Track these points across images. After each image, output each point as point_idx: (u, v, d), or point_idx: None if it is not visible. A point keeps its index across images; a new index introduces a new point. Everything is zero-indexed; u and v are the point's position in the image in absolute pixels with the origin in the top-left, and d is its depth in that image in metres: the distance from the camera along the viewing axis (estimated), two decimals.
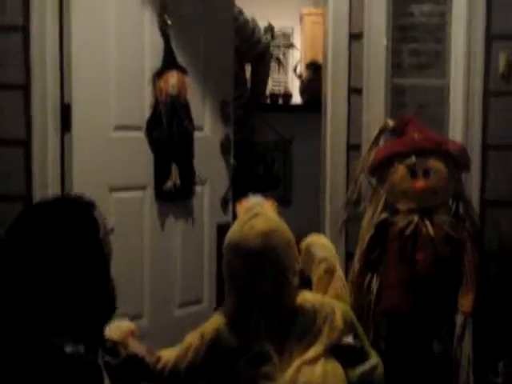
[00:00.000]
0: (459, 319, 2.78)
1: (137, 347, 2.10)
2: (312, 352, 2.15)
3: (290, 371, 2.10)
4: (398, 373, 2.84)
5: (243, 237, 2.15)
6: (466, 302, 2.77)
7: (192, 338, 2.23)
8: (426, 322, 2.83)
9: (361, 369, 2.27)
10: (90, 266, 1.72)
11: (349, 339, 2.25)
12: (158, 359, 2.19)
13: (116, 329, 2.12)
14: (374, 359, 2.33)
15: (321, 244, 2.47)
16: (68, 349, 1.56)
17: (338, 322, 2.24)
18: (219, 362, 2.16)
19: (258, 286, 2.14)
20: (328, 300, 2.30)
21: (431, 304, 2.79)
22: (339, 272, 2.43)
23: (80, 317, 1.66)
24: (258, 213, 2.18)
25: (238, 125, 3.95)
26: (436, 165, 2.81)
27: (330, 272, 2.39)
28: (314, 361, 2.14)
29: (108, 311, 1.78)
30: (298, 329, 2.17)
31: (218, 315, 2.24)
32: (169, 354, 2.22)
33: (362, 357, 2.30)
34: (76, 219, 1.73)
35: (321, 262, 2.39)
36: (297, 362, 2.12)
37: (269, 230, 2.15)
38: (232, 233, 2.21)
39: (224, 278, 2.23)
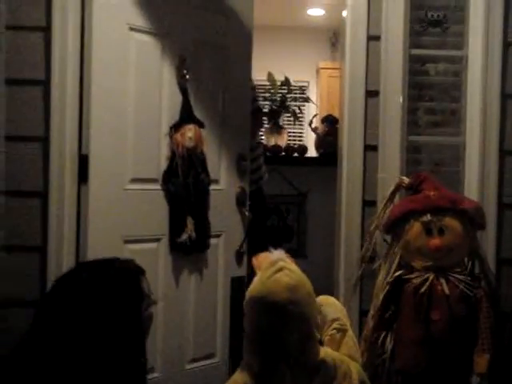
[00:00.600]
0: (474, 380, 2.75)
1: None
2: None
3: None
4: None
5: (269, 291, 2.11)
6: (481, 362, 2.73)
7: None
8: (440, 382, 2.79)
9: None
10: (126, 336, 1.68)
11: None
12: None
13: None
14: None
15: (331, 304, 2.46)
16: None
17: (355, 380, 2.24)
18: None
19: (284, 341, 2.11)
20: (345, 357, 2.29)
21: (446, 364, 2.76)
22: (350, 332, 2.42)
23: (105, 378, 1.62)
24: (282, 267, 2.16)
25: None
26: (451, 223, 2.80)
27: (342, 331, 2.38)
28: None
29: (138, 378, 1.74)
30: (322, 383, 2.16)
31: (241, 373, 2.19)
32: None
33: None
34: (121, 286, 1.71)
35: (333, 322, 2.38)
36: None
37: (294, 283, 2.13)
38: (255, 287, 2.17)
39: (246, 334, 2.19)
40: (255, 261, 2.36)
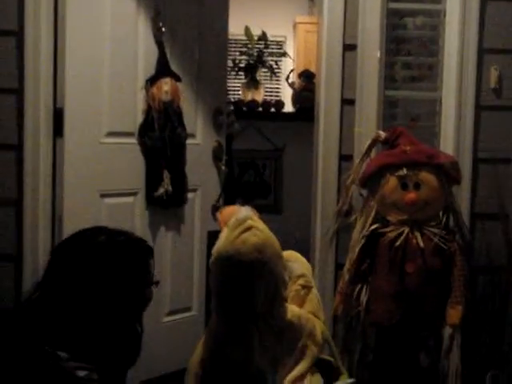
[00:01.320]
0: (447, 332, 2.79)
1: None
2: (300, 368, 2.15)
3: None
4: None
5: (237, 251, 2.08)
6: (454, 314, 2.77)
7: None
8: (413, 335, 2.83)
9: None
10: (128, 303, 1.72)
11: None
12: None
13: None
14: (347, 378, 2.39)
15: (297, 259, 2.44)
16: (81, 373, 1.55)
17: (319, 337, 2.25)
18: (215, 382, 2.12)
19: (251, 302, 2.09)
20: (310, 316, 2.29)
21: (420, 315, 2.79)
22: (315, 289, 2.41)
23: (102, 349, 1.65)
24: (250, 226, 2.13)
25: None
26: (427, 177, 2.82)
27: (307, 288, 2.36)
28: (301, 377, 2.13)
29: (131, 354, 1.76)
30: (288, 344, 2.16)
31: (208, 335, 2.17)
32: None
33: (337, 374, 2.33)
34: (130, 256, 1.75)
35: (298, 278, 2.36)
36: (288, 379, 2.10)
37: (262, 243, 2.11)
38: (222, 246, 2.13)
39: (212, 293, 2.16)
40: (219, 215, 2.32)
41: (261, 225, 2.18)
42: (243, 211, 2.20)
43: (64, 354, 1.56)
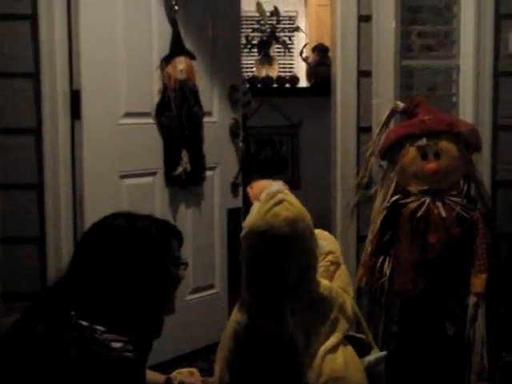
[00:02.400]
0: (471, 300, 2.78)
1: None
2: (332, 340, 2.14)
3: (317, 360, 2.09)
4: (411, 355, 2.86)
5: (269, 225, 2.05)
6: (478, 282, 2.77)
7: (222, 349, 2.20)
8: (438, 304, 2.83)
9: (367, 360, 2.29)
10: (152, 281, 1.76)
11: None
12: None
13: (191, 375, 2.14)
14: (378, 352, 2.38)
15: (326, 237, 2.43)
16: (117, 345, 1.58)
17: (349, 311, 2.26)
18: (248, 354, 2.12)
19: (283, 275, 2.08)
20: (340, 290, 2.29)
21: (443, 285, 2.79)
22: (344, 266, 2.41)
23: (130, 324, 1.70)
24: (282, 199, 2.10)
25: None
26: (447, 146, 2.80)
27: (336, 264, 2.36)
28: (334, 349, 2.13)
29: (154, 331, 1.81)
30: (320, 316, 2.16)
31: (239, 311, 2.16)
32: None
33: (368, 349, 2.34)
34: (151, 237, 1.78)
35: (327, 254, 2.34)
36: (321, 351, 2.11)
37: (294, 217, 2.08)
38: (254, 221, 2.10)
39: (243, 268, 2.14)
40: (250, 190, 2.32)
41: (293, 199, 2.15)
42: (274, 185, 2.18)
43: (100, 327, 1.60)
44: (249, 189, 2.34)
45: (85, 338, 1.57)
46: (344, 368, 2.12)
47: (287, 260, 2.08)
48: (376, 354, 2.37)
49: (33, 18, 2.99)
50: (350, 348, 2.20)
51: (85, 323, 1.60)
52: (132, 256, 1.73)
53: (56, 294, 1.70)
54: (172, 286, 1.85)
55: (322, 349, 2.11)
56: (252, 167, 4.67)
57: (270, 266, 2.08)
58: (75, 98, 3.04)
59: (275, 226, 2.05)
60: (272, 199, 2.10)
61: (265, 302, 2.10)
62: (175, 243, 1.85)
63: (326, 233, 2.50)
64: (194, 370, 2.23)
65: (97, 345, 1.56)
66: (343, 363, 2.13)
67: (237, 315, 2.16)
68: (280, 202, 2.09)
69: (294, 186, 5.35)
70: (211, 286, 3.65)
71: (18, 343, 1.60)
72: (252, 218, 2.12)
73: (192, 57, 3.41)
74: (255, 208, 2.14)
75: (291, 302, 2.10)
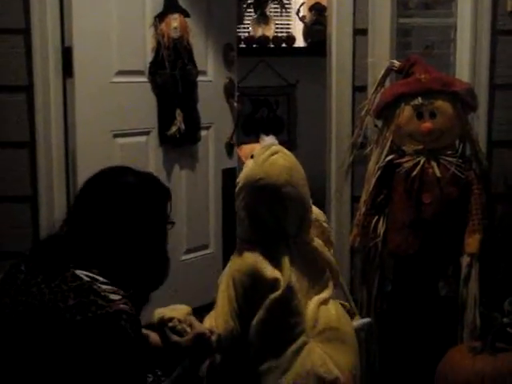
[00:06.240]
0: (465, 260, 2.78)
1: (201, 326, 2.10)
2: (326, 292, 2.17)
3: (312, 308, 2.11)
4: (404, 314, 2.87)
5: (267, 173, 2.09)
6: (472, 242, 2.77)
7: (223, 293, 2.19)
8: (432, 264, 2.83)
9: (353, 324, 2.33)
10: (153, 236, 1.80)
11: None
12: (219, 336, 2.12)
13: (174, 310, 2.11)
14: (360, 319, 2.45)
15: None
16: (115, 297, 1.59)
17: (336, 270, 2.29)
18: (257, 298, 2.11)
19: (282, 223, 2.11)
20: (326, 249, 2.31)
21: (437, 245, 2.79)
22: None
23: (134, 270, 1.73)
24: (277, 150, 2.14)
25: None
26: (443, 105, 2.78)
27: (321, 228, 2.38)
28: (326, 302, 2.16)
29: (160, 274, 1.85)
30: (314, 268, 2.18)
31: (238, 258, 2.18)
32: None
33: (351, 316, 2.38)
34: (152, 195, 1.80)
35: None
36: (315, 300, 2.13)
37: (290, 166, 2.13)
38: (251, 171, 2.13)
39: (241, 219, 2.16)
40: (240, 151, 2.33)
41: (286, 150, 2.19)
42: (267, 140, 2.22)
43: (100, 277, 1.62)
44: (238, 150, 2.35)
45: (84, 288, 1.58)
46: (337, 319, 2.15)
47: (286, 208, 2.10)
48: (361, 320, 2.45)
49: None
50: (338, 303, 2.23)
51: (84, 274, 1.61)
52: (135, 210, 1.74)
53: (54, 246, 1.71)
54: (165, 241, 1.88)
55: (316, 298, 2.13)
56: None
57: (270, 215, 2.11)
58: (67, 55, 2.99)
59: (273, 174, 2.09)
60: (267, 150, 2.13)
61: (266, 251, 2.11)
62: (169, 203, 1.87)
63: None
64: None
65: (95, 295, 1.57)
66: (336, 315, 2.16)
67: (236, 264, 2.17)
68: (276, 152, 2.14)
69: (290, 146, 5.33)
70: (205, 247, 3.65)
71: (16, 297, 1.61)
72: (249, 169, 2.15)
73: (186, 14, 3.37)
74: (248, 163, 2.17)
75: (291, 251, 2.12)
